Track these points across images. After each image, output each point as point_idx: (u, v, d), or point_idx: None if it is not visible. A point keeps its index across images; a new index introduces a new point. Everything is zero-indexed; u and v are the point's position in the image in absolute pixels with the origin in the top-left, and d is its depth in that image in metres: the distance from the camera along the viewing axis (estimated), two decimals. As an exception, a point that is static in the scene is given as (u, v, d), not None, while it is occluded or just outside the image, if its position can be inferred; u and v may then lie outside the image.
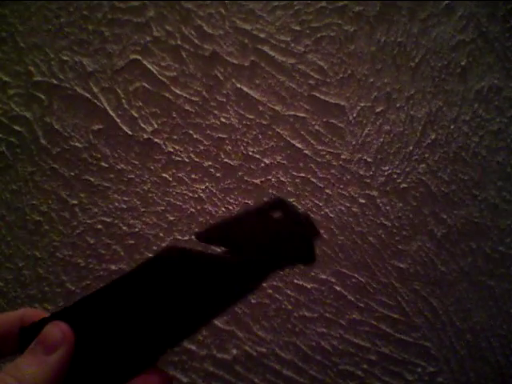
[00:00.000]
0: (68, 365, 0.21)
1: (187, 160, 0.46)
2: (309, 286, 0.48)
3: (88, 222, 0.46)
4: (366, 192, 0.48)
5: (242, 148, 0.47)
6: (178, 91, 0.46)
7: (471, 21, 0.48)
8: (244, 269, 0.23)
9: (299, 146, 0.47)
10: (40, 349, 0.21)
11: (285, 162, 0.47)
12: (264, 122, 0.47)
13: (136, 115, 0.46)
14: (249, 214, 0.24)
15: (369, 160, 0.48)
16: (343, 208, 0.48)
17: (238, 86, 0.46)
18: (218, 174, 0.47)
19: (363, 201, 0.48)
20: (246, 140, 0.47)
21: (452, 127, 0.49)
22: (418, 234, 0.48)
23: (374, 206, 0.48)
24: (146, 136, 0.46)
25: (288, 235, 0.23)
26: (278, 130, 0.47)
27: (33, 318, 0.23)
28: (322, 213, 0.48)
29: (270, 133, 0.47)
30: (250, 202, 0.47)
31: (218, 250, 0.24)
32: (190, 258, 0.23)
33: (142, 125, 0.46)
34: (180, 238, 0.47)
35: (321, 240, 0.48)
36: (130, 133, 0.46)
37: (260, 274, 0.23)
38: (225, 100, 0.46)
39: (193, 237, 0.24)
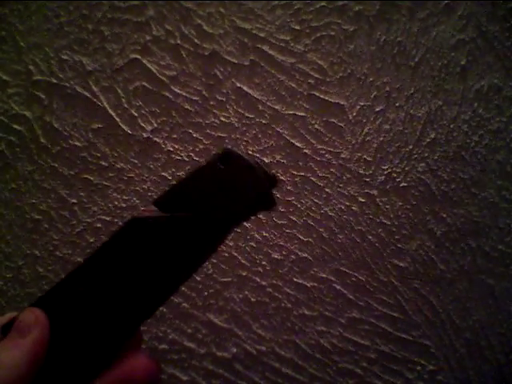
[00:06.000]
0: (45, 347, 0.22)
1: (187, 159, 0.46)
2: (308, 285, 0.48)
3: (87, 220, 0.46)
4: (366, 191, 0.48)
5: (242, 147, 0.47)
6: (177, 90, 0.46)
7: (471, 20, 0.48)
8: (208, 227, 0.23)
9: (299, 145, 0.47)
10: (15, 334, 0.22)
11: (284, 160, 0.47)
12: (264, 121, 0.47)
13: (136, 114, 0.46)
14: (201, 172, 0.24)
15: (368, 159, 0.48)
16: (343, 207, 0.48)
17: (238, 85, 0.46)
18: (217, 173, 0.47)
19: (363, 200, 0.48)
20: (245, 139, 0.47)
21: (452, 126, 0.49)
22: (417, 233, 0.48)
23: (374, 204, 0.48)
24: (145, 135, 0.46)
25: (243, 185, 0.23)
26: (278, 129, 0.47)
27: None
28: (322, 211, 0.48)
29: (269, 132, 0.47)
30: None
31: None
32: (152, 225, 0.23)
33: (142, 124, 0.46)
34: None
35: (321, 239, 0.48)
36: (129, 132, 0.46)
37: (224, 229, 0.24)
38: (224, 99, 0.46)
39: (152, 206, 0.24)
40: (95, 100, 0.46)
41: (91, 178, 0.46)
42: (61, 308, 0.23)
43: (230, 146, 0.24)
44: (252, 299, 0.48)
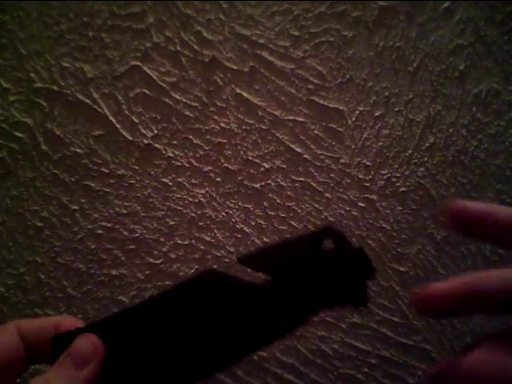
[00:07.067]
0: (97, 381, 0.20)
1: (187, 165, 0.47)
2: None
3: (89, 227, 0.46)
4: (366, 196, 0.48)
5: (242, 153, 0.47)
6: (177, 97, 0.46)
7: (469, 25, 0.48)
8: (286, 302, 0.21)
9: (299, 150, 0.47)
10: (70, 362, 0.20)
11: (284, 166, 0.47)
12: (263, 127, 0.47)
13: (136, 121, 0.46)
14: (297, 241, 0.21)
15: (368, 164, 0.48)
16: (343, 212, 0.48)
17: (238, 91, 0.47)
18: (217, 179, 0.47)
19: (363, 204, 0.48)
20: (245, 145, 0.47)
21: (451, 131, 0.49)
22: (417, 238, 0.49)
23: (374, 209, 0.48)
24: (146, 141, 0.46)
25: (338, 269, 0.21)
26: (278, 135, 0.47)
27: (68, 326, 0.22)
28: (322, 217, 0.48)
29: (269, 137, 0.47)
30: (250, 206, 0.47)
31: (260, 276, 0.22)
32: (228, 283, 0.21)
33: (143, 130, 0.46)
34: (180, 242, 0.47)
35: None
36: (130, 138, 0.46)
37: (304, 310, 0.21)
38: (224, 105, 0.47)
39: (235, 258, 0.22)
40: (96, 107, 0.46)
41: (92, 185, 0.46)
42: (115, 340, 0.21)
43: (333, 224, 0.22)
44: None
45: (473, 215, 0.20)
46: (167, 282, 0.47)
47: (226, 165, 0.47)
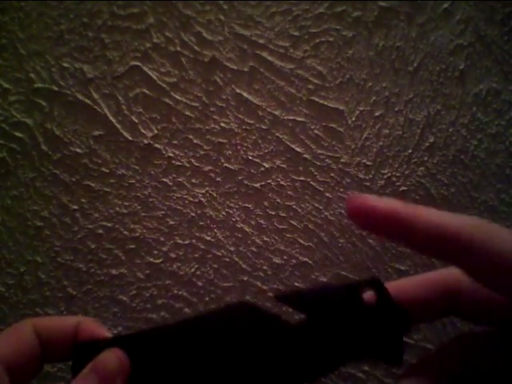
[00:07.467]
0: None
1: (187, 165, 0.47)
2: (309, 290, 0.48)
3: (89, 226, 0.46)
4: (366, 195, 0.48)
5: (242, 152, 0.47)
6: (177, 97, 0.46)
7: (469, 25, 0.48)
8: (317, 347, 0.20)
9: (299, 150, 0.47)
10: (94, 377, 0.19)
11: (284, 165, 0.47)
12: (263, 127, 0.47)
13: (136, 121, 0.46)
14: (338, 287, 0.21)
15: (368, 163, 0.48)
16: (343, 211, 0.48)
17: (238, 91, 0.47)
18: (218, 179, 0.47)
19: (363, 204, 0.48)
20: (245, 144, 0.47)
21: (451, 130, 0.49)
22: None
23: (374, 209, 0.48)
24: (146, 141, 0.46)
25: (376, 323, 0.20)
26: (278, 135, 0.47)
27: (88, 329, 0.22)
28: (323, 216, 0.48)
29: (269, 137, 0.47)
30: (250, 206, 0.47)
31: (296, 316, 0.21)
32: (262, 318, 0.21)
33: (143, 130, 0.46)
34: (181, 241, 0.47)
35: (321, 243, 0.48)
36: (130, 138, 0.46)
37: (334, 358, 0.20)
38: (224, 105, 0.47)
39: (271, 295, 0.22)
40: (96, 107, 0.46)
41: (92, 185, 0.46)
42: (139, 358, 0.21)
43: (377, 276, 0.20)
44: (253, 304, 0.48)
45: (378, 215, 0.18)
46: (167, 282, 0.47)
47: (226, 164, 0.47)
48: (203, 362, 0.21)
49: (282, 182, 0.47)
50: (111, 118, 0.46)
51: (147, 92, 0.46)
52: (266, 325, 0.21)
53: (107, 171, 0.46)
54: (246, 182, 0.47)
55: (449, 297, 0.20)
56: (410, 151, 0.49)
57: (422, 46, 0.48)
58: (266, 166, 0.47)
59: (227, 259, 0.47)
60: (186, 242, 0.47)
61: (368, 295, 0.20)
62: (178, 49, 0.46)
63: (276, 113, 0.47)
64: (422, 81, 0.48)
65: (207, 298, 0.47)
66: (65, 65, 0.45)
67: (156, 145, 0.46)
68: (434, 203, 0.49)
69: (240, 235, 0.47)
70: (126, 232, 0.46)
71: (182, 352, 0.21)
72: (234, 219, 0.47)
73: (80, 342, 0.21)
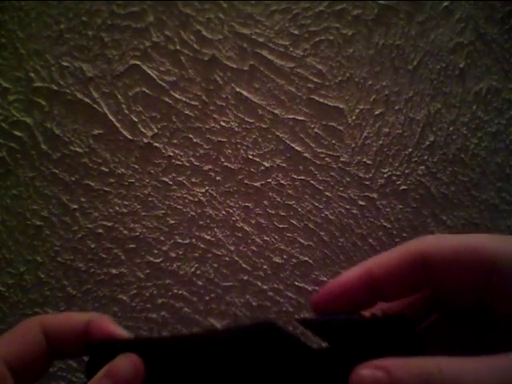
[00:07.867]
0: None
1: (187, 164, 0.47)
2: (310, 289, 0.48)
3: (89, 226, 0.46)
4: (366, 194, 0.48)
5: (242, 151, 0.47)
6: (177, 96, 0.46)
7: (469, 23, 0.48)
8: (338, 375, 0.19)
9: (299, 148, 0.47)
10: (108, 382, 0.19)
11: (284, 164, 0.47)
12: (263, 126, 0.47)
13: (136, 120, 0.46)
14: (364, 318, 0.21)
15: (368, 162, 0.48)
16: (343, 210, 0.48)
17: (238, 89, 0.47)
18: (218, 178, 0.47)
19: (363, 203, 0.48)
20: (245, 143, 0.47)
21: (451, 129, 0.49)
22: (418, 236, 0.49)
23: (374, 207, 0.48)
24: (146, 140, 0.46)
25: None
26: (278, 134, 0.47)
27: (99, 326, 0.21)
28: (323, 215, 0.48)
29: (269, 136, 0.47)
30: (250, 205, 0.47)
31: (318, 343, 0.21)
32: (284, 340, 0.20)
33: (142, 129, 0.46)
34: (181, 241, 0.47)
35: (322, 242, 0.48)
36: (130, 137, 0.46)
37: None
38: (224, 104, 0.47)
39: (294, 321, 0.22)
40: (95, 106, 0.46)
41: (92, 184, 0.46)
42: (153, 366, 0.20)
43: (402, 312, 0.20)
44: (253, 303, 0.48)
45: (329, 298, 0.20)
46: (167, 281, 0.47)
47: (226, 163, 0.47)
48: (219, 379, 0.20)
49: (282, 181, 0.47)
50: (111, 117, 0.46)
51: (147, 91, 0.46)
52: (288, 346, 0.20)
53: (107, 170, 0.46)
54: (245, 181, 0.47)
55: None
56: (410, 150, 0.49)
57: (422, 45, 0.48)
58: (266, 165, 0.47)
59: (227, 258, 0.47)
60: (186, 242, 0.47)
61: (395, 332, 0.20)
62: (178, 47, 0.46)
63: (276, 111, 0.47)
64: (422, 79, 0.48)
65: (207, 298, 0.47)
66: (64, 64, 0.45)
67: (156, 144, 0.46)
68: (434, 202, 0.49)
69: (240, 234, 0.47)
70: (125, 231, 0.46)
71: (198, 365, 0.21)
72: (234, 218, 0.47)
73: (96, 342, 0.21)
